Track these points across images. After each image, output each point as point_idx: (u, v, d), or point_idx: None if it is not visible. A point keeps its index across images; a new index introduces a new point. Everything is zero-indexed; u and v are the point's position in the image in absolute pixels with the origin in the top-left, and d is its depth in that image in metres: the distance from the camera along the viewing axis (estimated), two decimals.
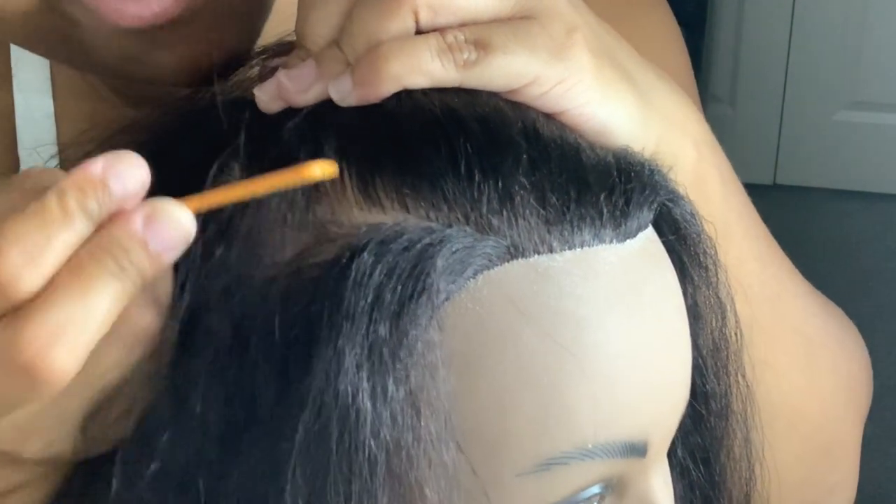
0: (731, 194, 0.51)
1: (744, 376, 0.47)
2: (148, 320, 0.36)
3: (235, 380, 0.35)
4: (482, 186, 0.37)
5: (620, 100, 0.42)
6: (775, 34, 2.35)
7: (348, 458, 0.34)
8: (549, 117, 0.40)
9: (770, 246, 0.55)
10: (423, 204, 0.36)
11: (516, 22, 0.39)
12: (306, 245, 0.36)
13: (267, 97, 0.39)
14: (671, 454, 0.46)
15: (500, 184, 0.37)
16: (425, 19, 0.38)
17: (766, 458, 0.52)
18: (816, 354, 0.58)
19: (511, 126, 0.39)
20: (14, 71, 0.58)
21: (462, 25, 0.39)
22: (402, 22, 0.38)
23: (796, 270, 0.57)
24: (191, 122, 0.41)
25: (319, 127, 0.38)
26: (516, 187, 0.37)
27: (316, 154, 0.37)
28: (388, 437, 0.34)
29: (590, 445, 0.37)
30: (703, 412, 0.47)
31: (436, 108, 0.38)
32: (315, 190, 0.37)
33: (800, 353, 0.56)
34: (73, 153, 0.42)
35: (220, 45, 0.45)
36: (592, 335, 0.37)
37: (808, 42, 2.34)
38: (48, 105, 0.58)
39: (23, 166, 0.57)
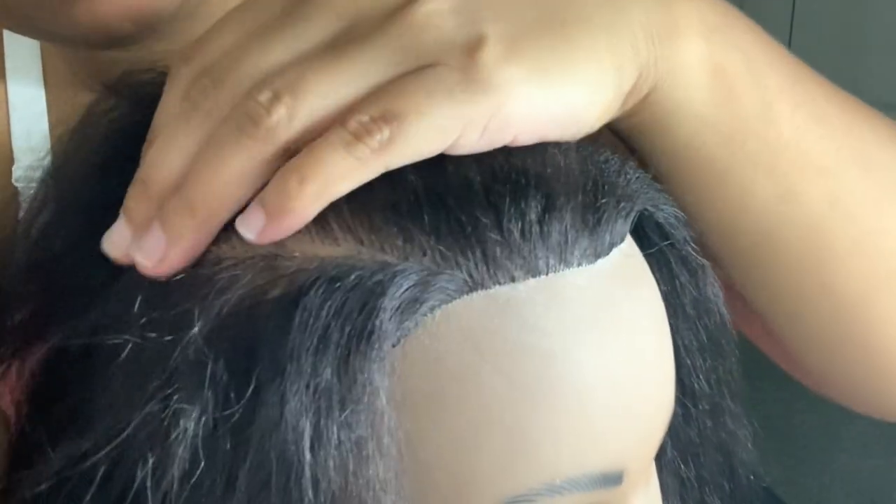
0: (764, 71, 0.45)
1: (735, 374, 0.47)
2: None
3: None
4: (435, 217, 0.35)
5: (567, 73, 0.37)
6: (775, 34, 2.34)
7: None
8: None
9: (833, 101, 0.48)
10: (377, 237, 0.35)
11: (415, 74, 0.35)
12: (257, 284, 0.34)
13: (118, 253, 0.36)
14: (662, 454, 0.45)
15: (453, 213, 0.35)
16: (305, 142, 0.34)
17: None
18: None
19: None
20: (7, 63, 0.57)
21: (354, 105, 0.34)
22: (267, 156, 0.34)
23: (871, 114, 0.51)
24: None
25: None
26: (471, 215, 0.35)
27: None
28: (333, 485, 0.33)
29: (558, 481, 0.35)
30: (693, 411, 0.46)
31: None
32: None
33: None
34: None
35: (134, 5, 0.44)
36: (558, 368, 0.35)
37: (808, 42, 2.34)
38: (40, 96, 0.57)
39: (16, 159, 0.57)
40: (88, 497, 0.35)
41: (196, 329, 0.33)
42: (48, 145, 0.55)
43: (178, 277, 0.35)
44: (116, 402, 0.35)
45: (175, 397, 0.33)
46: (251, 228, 0.34)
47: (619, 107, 0.41)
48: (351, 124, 0.34)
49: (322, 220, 0.35)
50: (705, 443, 0.47)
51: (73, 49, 0.53)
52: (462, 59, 0.35)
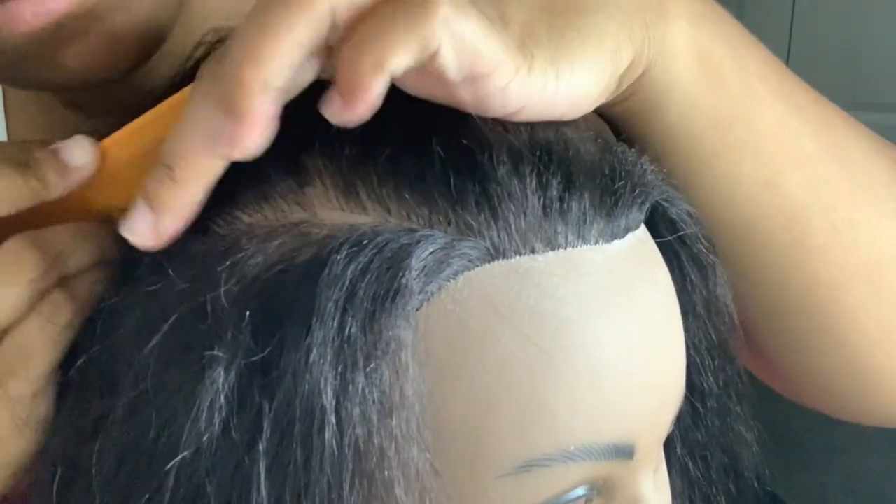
0: (747, 59, 0.47)
1: (742, 373, 0.47)
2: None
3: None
4: (462, 188, 0.36)
5: (574, 57, 0.39)
6: (775, 34, 2.35)
7: (312, 456, 0.34)
8: None
9: (809, 97, 0.50)
10: (404, 206, 0.36)
11: None
12: (287, 249, 0.36)
13: (145, 240, 0.37)
14: (671, 452, 0.46)
15: (479, 185, 0.36)
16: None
17: (892, 323, 0.49)
18: None
19: (489, 125, 0.38)
20: None
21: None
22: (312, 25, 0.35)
23: (844, 114, 0.52)
24: None
25: (303, 129, 0.38)
26: (496, 188, 0.36)
27: (296, 161, 0.37)
28: (357, 437, 0.34)
29: (572, 447, 0.36)
30: (702, 410, 0.46)
31: (415, 114, 0.38)
32: (299, 193, 0.37)
33: (883, 195, 0.51)
34: None
35: (122, 41, 0.44)
36: (574, 337, 0.36)
37: (808, 42, 2.34)
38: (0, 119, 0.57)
39: None
40: (119, 444, 0.36)
41: (224, 289, 0.35)
42: None
43: (208, 245, 0.37)
44: (147, 356, 0.36)
45: (204, 352, 0.35)
46: (332, 112, 0.35)
47: (615, 89, 0.42)
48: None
49: (350, 190, 0.36)
50: (713, 443, 0.48)
51: (68, 92, 0.53)
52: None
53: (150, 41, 0.46)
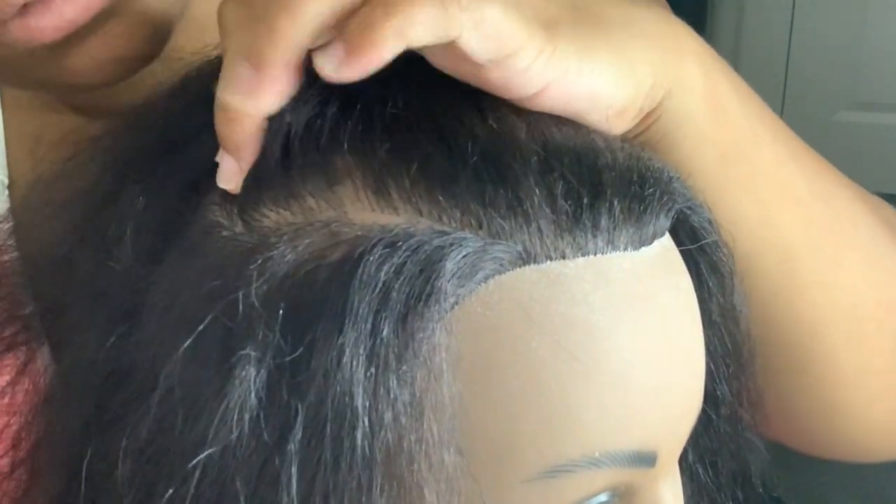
0: (748, 102, 0.49)
1: (755, 382, 0.47)
2: None
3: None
4: (494, 191, 0.36)
5: (599, 55, 0.40)
6: (775, 34, 2.34)
7: (342, 457, 0.34)
8: (563, 120, 0.39)
9: (800, 145, 0.52)
10: (435, 208, 0.36)
11: None
12: (316, 248, 0.36)
13: (232, 184, 0.38)
14: (681, 459, 0.46)
15: (511, 189, 0.36)
16: None
17: (868, 365, 0.51)
18: (884, 243, 0.55)
19: (521, 129, 0.38)
20: None
21: None
22: None
23: (832, 166, 0.55)
24: (168, 133, 0.41)
25: (334, 130, 0.38)
26: (528, 192, 0.36)
27: (326, 159, 0.37)
28: (387, 438, 0.34)
29: (597, 454, 0.37)
30: (714, 416, 0.47)
31: (447, 116, 0.38)
32: (328, 191, 0.37)
33: (866, 243, 0.54)
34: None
35: (133, 44, 0.45)
36: (603, 343, 0.37)
37: (808, 42, 2.34)
38: None
39: None
40: (145, 440, 0.36)
41: (255, 287, 0.35)
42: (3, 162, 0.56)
43: (236, 243, 0.37)
44: (176, 352, 0.36)
45: (234, 350, 0.35)
46: (330, 62, 0.34)
47: (637, 112, 0.42)
48: None
49: (382, 190, 0.36)
50: (723, 449, 0.48)
51: (69, 95, 0.53)
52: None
53: (159, 40, 0.46)
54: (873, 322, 0.53)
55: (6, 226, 0.50)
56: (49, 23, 0.42)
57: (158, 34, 0.46)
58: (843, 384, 0.53)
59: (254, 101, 0.36)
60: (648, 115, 0.43)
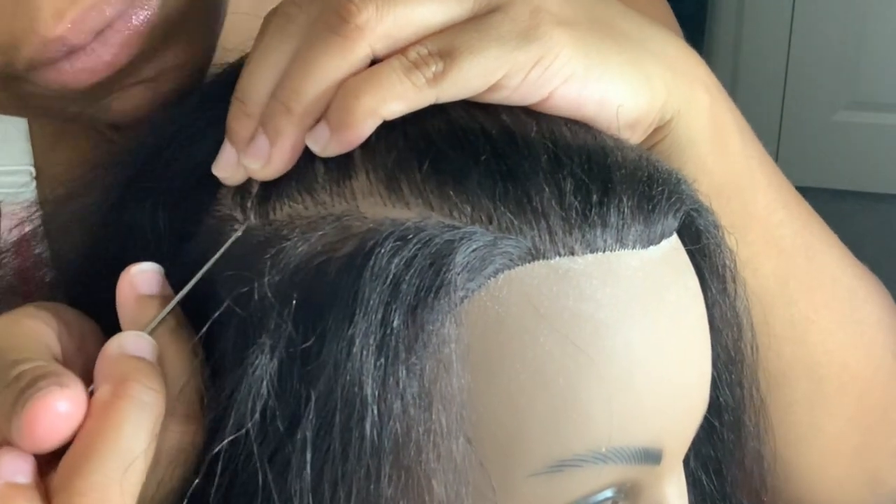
0: (749, 142, 0.50)
1: (758, 389, 0.47)
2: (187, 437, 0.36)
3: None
4: (505, 188, 0.36)
5: (611, 63, 0.40)
6: (775, 34, 2.34)
7: (351, 446, 0.34)
8: (573, 120, 0.40)
9: (794, 194, 0.53)
10: (446, 203, 0.36)
11: (477, 19, 0.38)
12: (329, 241, 0.36)
13: (227, 173, 0.39)
14: (684, 465, 0.46)
15: (521, 185, 0.37)
16: (383, 49, 0.37)
17: (822, 426, 0.51)
18: (860, 308, 0.55)
19: (532, 127, 0.38)
20: None
21: (422, 40, 0.38)
22: (355, 55, 0.37)
23: (823, 222, 0.55)
24: (183, 146, 0.41)
25: None
26: (538, 189, 0.37)
27: (341, 156, 0.37)
28: (396, 428, 0.34)
29: (603, 449, 0.37)
30: (716, 424, 0.47)
31: (460, 114, 0.38)
32: (341, 185, 0.37)
33: (843, 305, 0.54)
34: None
35: (174, 79, 0.44)
36: (610, 339, 0.37)
37: (808, 42, 2.34)
38: (22, 123, 0.56)
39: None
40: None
41: (268, 278, 0.35)
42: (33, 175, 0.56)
43: (250, 234, 0.37)
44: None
45: (247, 339, 0.35)
46: (318, 141, 0.37)
47: (648, 126, 0.43)
48: (411, 54, 0.37)
49: (394, 185, 0.37)
50: (727, 457, 0.48)
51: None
52: (521, 10, 0.38)
53: (199, 76, 0.46)
54: (835, 384, 0.53)
55: (36, 215, 0.49)
56: (85, 64, 0.41)
57: (203, 68, 0.46)
58: (795, 441, 0.53)
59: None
60: (657, 131, 0.44)
